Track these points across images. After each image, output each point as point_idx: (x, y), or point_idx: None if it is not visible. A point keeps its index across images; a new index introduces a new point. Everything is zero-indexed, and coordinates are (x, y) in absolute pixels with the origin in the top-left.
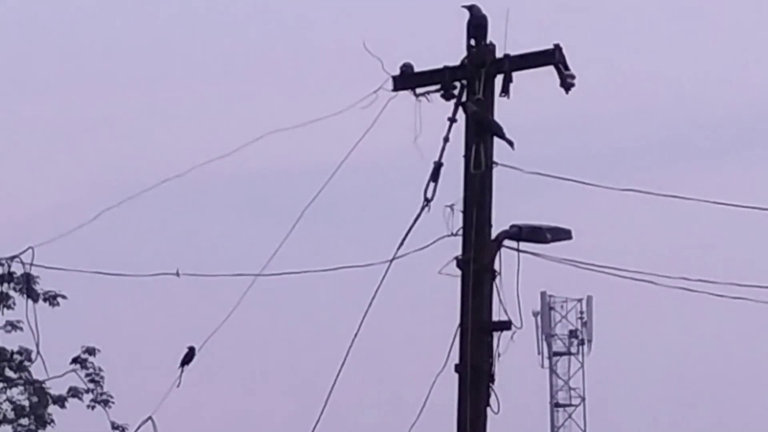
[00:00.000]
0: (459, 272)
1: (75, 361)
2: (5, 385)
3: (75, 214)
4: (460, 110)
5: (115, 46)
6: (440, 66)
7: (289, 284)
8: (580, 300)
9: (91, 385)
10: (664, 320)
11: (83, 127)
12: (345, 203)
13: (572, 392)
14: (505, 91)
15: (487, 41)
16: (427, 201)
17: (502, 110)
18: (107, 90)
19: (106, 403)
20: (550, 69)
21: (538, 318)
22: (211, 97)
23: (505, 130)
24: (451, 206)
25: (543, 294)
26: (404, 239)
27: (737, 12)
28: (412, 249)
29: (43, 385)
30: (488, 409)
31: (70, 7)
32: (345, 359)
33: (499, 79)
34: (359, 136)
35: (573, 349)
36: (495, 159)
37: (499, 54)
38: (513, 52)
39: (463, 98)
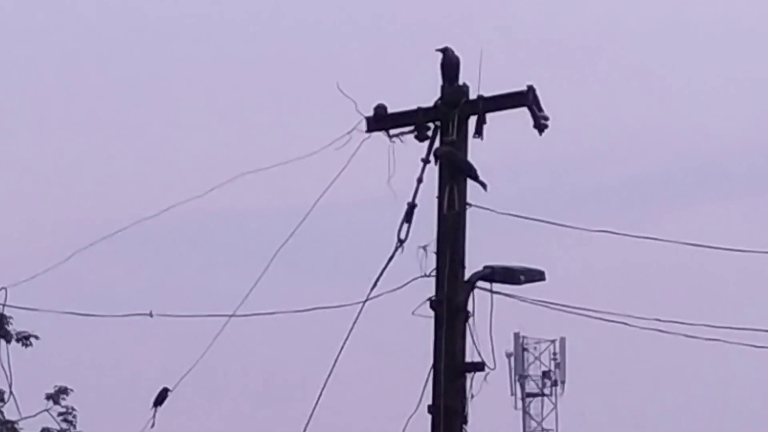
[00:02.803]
0: (432, 313)
1: (49, 397)
2: None
3: (48, 254)
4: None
5: (89, 86)
6: (414, 107)
7: (263, 325)
8: (553, 341)
9: (65, 425)
10: (638, 361)
11: (56, 167)
12: (318, 244)
13: None
14: (479, 132)
15: (461, 82)
16: (401, 242)
17: (476, 150)
18: (80, 130)
19: None
20: (524, 110)
21: (512, 359)
22: (185, 138)
23: (478, 172)
24: (425, 247)
25: (516, 335)
26: (377, 280)
27: (712, 57)
28: (386, 290)
29: (16, 425)
30: None
31: (43, 46)
32: (318, 400)
33: (472, 120)
34: (333, 177)
35: (546, 391)
36: (468, 200)
37: (472, 95)
38: (487, 94)
39: (437, 141)
